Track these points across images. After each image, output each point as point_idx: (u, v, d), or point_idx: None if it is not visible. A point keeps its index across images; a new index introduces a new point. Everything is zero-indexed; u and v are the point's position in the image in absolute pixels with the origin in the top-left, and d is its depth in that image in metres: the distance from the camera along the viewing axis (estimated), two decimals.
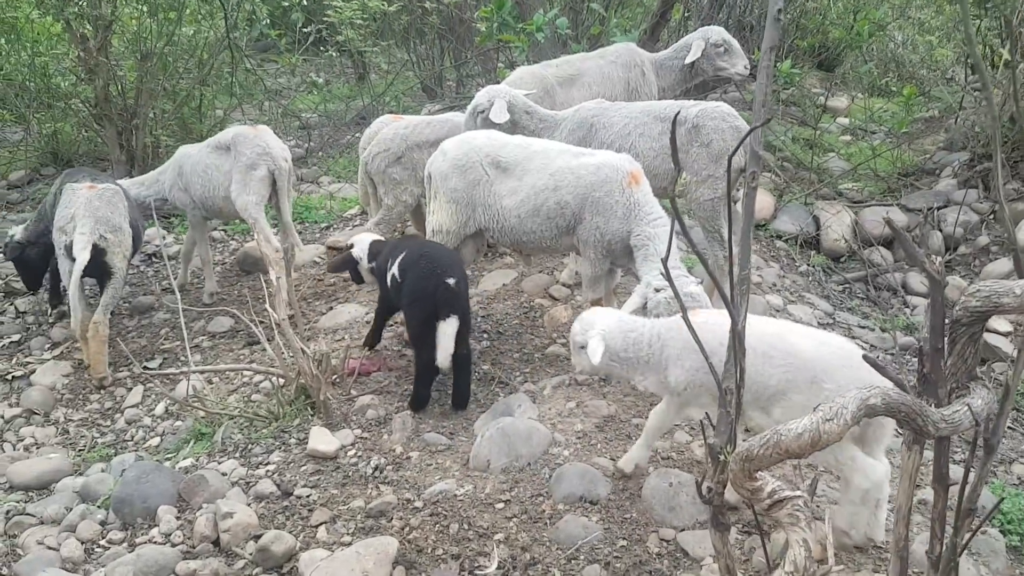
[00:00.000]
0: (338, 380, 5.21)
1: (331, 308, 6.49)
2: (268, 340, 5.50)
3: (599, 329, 3.88)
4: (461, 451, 4.62)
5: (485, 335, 5.86)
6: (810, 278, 7.68)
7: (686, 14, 10.69)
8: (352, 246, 5.64)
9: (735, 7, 11.04)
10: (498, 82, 7.92)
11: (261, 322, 5.80)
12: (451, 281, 4.80)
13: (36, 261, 6.92)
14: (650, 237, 4.85)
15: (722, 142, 5.53)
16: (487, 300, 6.27)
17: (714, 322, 3.50)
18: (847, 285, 7.78)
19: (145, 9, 10.16)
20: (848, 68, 13.63)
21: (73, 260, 5.85)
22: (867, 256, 8.01)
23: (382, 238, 5.90)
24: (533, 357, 5.55)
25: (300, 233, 8.35)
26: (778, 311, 6.47)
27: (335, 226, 8.43)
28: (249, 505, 4.31)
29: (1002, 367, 6.11)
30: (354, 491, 4.30)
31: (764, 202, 8.45)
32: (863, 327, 6.70)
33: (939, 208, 8.21)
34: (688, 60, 6.84)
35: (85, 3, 9.29)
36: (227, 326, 6.58)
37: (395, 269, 5.09)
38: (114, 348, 6.39)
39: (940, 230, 8.01)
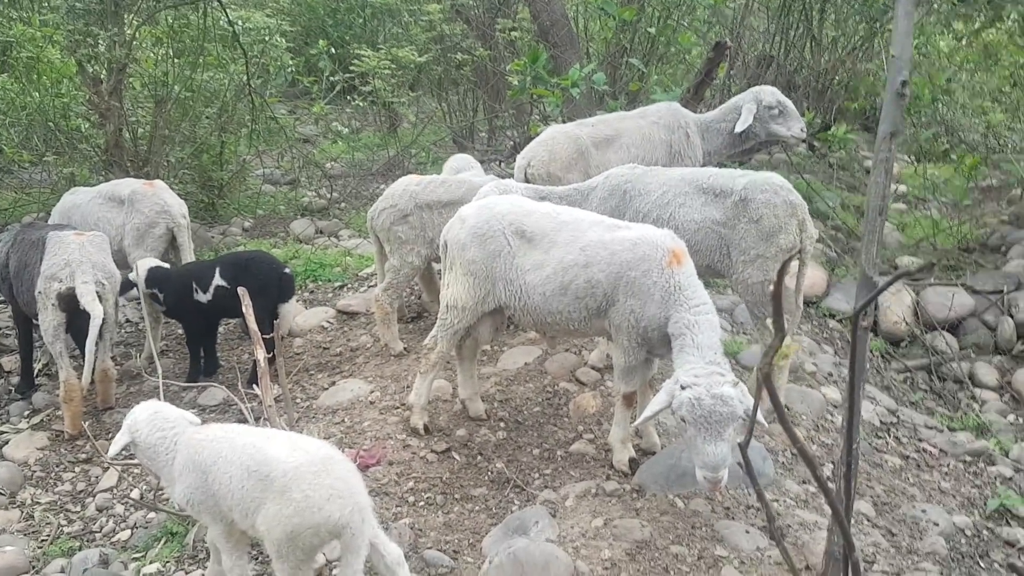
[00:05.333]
0: None
1: (334, 383, 5.85)
2: (256, 420, 4.93)
3: (130, 421, 3.81)
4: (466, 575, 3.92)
5: (502, 424, 5.17)
6: (868, 365, 6.92)
7: (731, 72, 10.10)
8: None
9: (784, 66, 10.44)
10: (531, 137, 7.37)
11: (255, 396, 5.21)
12: (288, 271, 6.14)
13: None
14: (690, 325, 4.16)
15: (773, 218, 4.87)
16: (506, 381, 5.60)
17: (219, 438, 3.57)
18: (908, 374, 7.01)
19: (171, 52, 9.84)
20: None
21: (64, 311, 5.64)
22: (930, 342, 7.25)
23: (164, 265, 6.37)
24: (555, 455, 4.85)
25: (312, 292, 7.79)
26: (836, 407, 5.72)
27: (350, 286, 7.83)
28: None
29: None
30: None
31: (815, 277, 7.74)
32: (930, 427, 5.92)
33: (1010, 292, 7.42)
34: (739, 127, 6.21)
35: (102, 45, 8.97)
36: (220, 399, 5.96)
37: (219, 280, 5.98)
38: (96, 420, 5.84)
39: (1011, 316, 7.22)
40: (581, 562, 3.81)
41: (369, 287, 7.54)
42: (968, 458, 5.50)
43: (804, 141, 7.59)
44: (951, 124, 12.66)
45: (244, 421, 5.34)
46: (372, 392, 5.60)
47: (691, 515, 4.17)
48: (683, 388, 3.86)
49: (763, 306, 4.98)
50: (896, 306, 7.47)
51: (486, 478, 4.69)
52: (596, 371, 5.59)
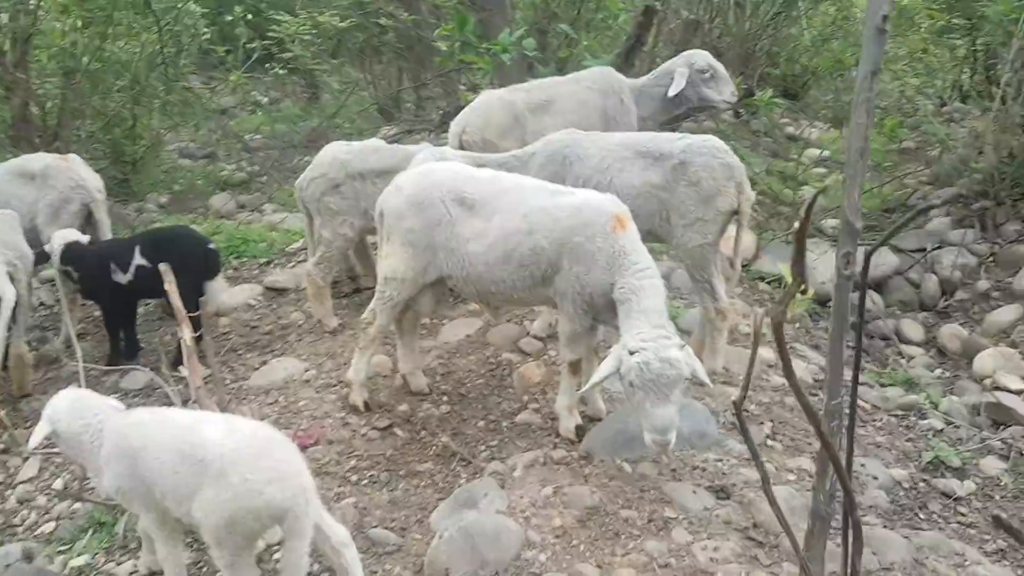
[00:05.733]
0: None
1: (264, 363, 5.64)
2: (184, 403, 4.72)
3: (50, 411, 3.60)
4: (414, 552, 3.82)
5: (445, 397, 5.07)
6: (797, 325, 7.04)
7: (659, 38, 10.10)
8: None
9: (709, 33, 10.48)
10: (461, 106, 7.20)
11: (180, 378, 5.00)
12: (212, 246, 5.85)
13: None
14: (635, 290, 4.13)
15: (712, 181, 4.85)
16: (448, 354, 5.49)
17: (147, 422, 3.40)
18: None
19: (79, 23, 9.29)
20: (820, 97, 13.23)
21: None
22: (856, 300, 7.40)
23: (84, 239, 5.96)
24: (501, 426, 4.78)
25: (236, 269, 7.50)
26: (771, 366, 5.80)
27: (276, 262, 7.57)
28: None
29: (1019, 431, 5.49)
30: None
31: (747, 241, 7.81)
32: (862, 383, 6.05)
33: (933, 249, 7.64)
34: (672, 91, 6.18)
35: (5, 15, 8.42)
36: (143, 382, 5.68)
37: (139, 260, 5.61)
38: (13, 408, 5.50)
39: (935, 273, 7.44)
40: (532, 531, 3.75)
41: (298, 262, 7.30)
42: (900, 412, 5.65)
43: (734, 106, 7.63)
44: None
45: (170, 405, 5.11)
46: (307, 370, 5.42)
47: (639, 479, 4.15)
48: (631, 353, 3.83)
49: (702, 269, 4.98)
50: (823, 267, 7.60)
51: (431, 453, 4.59)
52: (539, 341, 5.52)
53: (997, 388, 5.99)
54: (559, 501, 3.95)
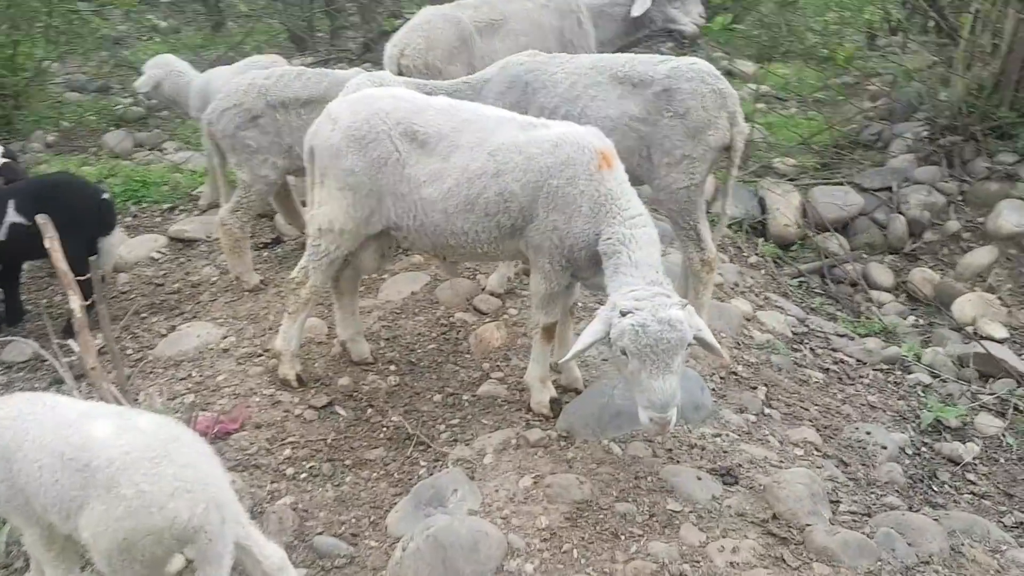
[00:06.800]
0: None
1: (173, 328, 4.80)
2: (77, 378, 3.90)
3: None
4: (371, 565, 3.16)
5: (392, 367, 4.35)
6: (762, 271, 6.55)
7: None
8: None
9: None
10: (386, 32, 6.37)
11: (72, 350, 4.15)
12: (107, 196, 5.05)
13: None
14: (624, 241, 3.48)
15: (702, 111, 4.17)
16: (391, 316, 4.75)
17: (24, 415, 2.69)
18: (802, 278, 6.70)
19: None
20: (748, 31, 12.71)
21: None
22: (821, 244, 6.97)
23: None
24: (461, 400, 4.10)
25: (135, 217, 6.54)
26: (748, 320, 5.28)
27: (181, 207, 6.64)
28: None
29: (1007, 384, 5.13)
30: None
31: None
32: (840, 335, 5.61)
33: (900, 188, 7.23)
34: (637, 11, 5.49)
35: None
36: (28, 354, 4.78)
37: (14, 216, 4.68)
38: None
39: (902, 213, 7.04)
40: (514, 535, 3.12)
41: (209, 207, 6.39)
42: (884, 366, 5.23)
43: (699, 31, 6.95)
44: (792, 26, 12.47)
45: (60, 382, 4.26)
46: (225, 337, 4.63)
47: (632, 463, 3.56)
48: (623, 314, 3.19)
49: (688, 215, 4.35)
50: (785, 208, 7.12)
51: (381, 436, 3.89)
52: (496, 297, 4.83)
53: (981, 337, 5.65)
54: (542, 494, 3.32)
